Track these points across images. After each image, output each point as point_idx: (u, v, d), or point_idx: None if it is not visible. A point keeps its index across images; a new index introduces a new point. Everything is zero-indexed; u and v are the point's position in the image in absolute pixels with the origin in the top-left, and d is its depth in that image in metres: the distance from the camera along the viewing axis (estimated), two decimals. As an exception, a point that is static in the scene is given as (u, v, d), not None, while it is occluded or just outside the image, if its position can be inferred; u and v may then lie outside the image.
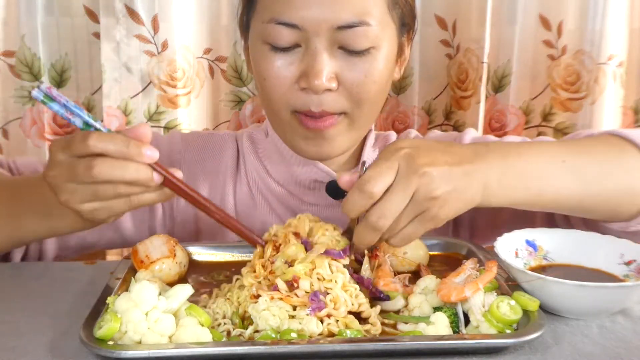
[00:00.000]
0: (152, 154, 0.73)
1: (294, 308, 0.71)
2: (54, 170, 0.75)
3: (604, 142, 0.90)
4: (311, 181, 1.04)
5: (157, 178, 0.74)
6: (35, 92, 0.73)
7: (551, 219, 1.00)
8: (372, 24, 0.90)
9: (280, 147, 1.03)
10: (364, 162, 0.84)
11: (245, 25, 0.99)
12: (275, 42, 0.91)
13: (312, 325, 0.69)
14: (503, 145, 0.85)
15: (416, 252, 0.88)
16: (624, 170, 0.86)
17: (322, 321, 0.70)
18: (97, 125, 0.74)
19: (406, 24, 0.98)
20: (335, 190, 1.03)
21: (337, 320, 0.71)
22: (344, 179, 0.79)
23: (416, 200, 0.73)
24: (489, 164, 0.79)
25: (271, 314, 0.70)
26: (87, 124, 0.74)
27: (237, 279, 0.81)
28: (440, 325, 0.70)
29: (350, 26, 0.89)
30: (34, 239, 0.96)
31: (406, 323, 0.72)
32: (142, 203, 0.76)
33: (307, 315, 0.70)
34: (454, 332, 0.71)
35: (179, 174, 0.77)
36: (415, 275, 0.85)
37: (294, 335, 0.68)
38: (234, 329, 0.72)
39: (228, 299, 0.77)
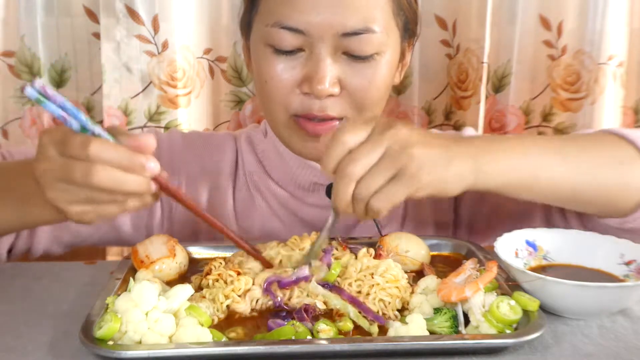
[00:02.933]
0: (155, 167, 0.69)
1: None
2: (44, 164, 0.69)
3: (598, 138, 0.89)
4: (311, 183, 1.03)
5: (154, 187, 0.71)
6: (29, 90, 0.65)
7: (549, 218, 1.00)
8: (377, 31, 0.90)
9: (279, 148, 1.03)
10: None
11: (246, 25, 0.99)
12: (278, 46, 0.90)
13: None
14: (490, 136, 0.82)
15: (418, 251, 0.88)
16: (617, 163, 0.85)
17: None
18: (96, 130, 0.68)
19: (409, 29, 0.98)
20: None
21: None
22: (324, 139, 0.77)
23: (390, 153, 0.71)
24: (475, 144, 0.77)
25: None
26: (84, 127, 0.67)
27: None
28: (414, 326, 0.69)
29: (355, 33, 0.88)
30: (5, 228, 0.90)
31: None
32: (136, 208, 0.72)
33: None
34: (454, 332, 0.71)
35: (164, 174, 0.72)
36: (418, 274, 0.85)
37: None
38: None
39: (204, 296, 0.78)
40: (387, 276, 0.78)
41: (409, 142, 0.71)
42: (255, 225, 1.06)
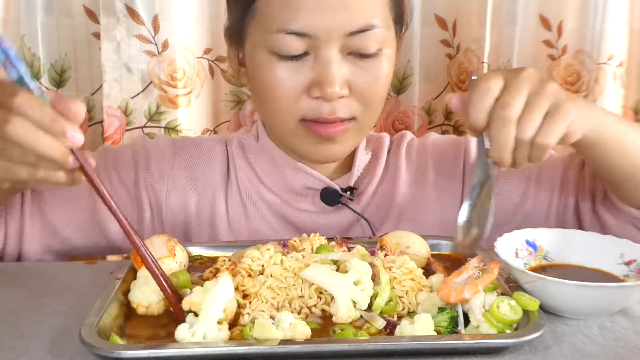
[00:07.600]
0: (76, 138, 0.66)
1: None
2: None
3: None
4: (304, 188, 1.03)
5: (72, 162, 0.67)
6: None
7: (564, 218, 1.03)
8: (380, 26, 0.90)
9: (272, 153, 1.02)
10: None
11: (237, 33, 0.97)
12: (283, 52, 0.89)
13: None
14: None
15: (418, 248, 0.88)
16: None
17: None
18: (32, 85, 0.67)
19: (401, 22, 0.98)
20: (330, 197, 1.03)
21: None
22: (454, 100, 0.79)
23: (535, 91, 0.73)
24: (581, 98, 0.87)
25: None
26: (21, 80, 0.66)
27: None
28: (420, 325, 0.69)
29: (361, 31, 0.88)
30: None
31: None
32: (47, 179, 0.69)
33: None
34: (454, 332, 0.71)
35: (92, 162, 0.69)
36: (426, 271, 0.85)
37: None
38: None
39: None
40: (403, 269, 0.79)
41: (545, 80, 0.75)
42: (247, 232, 1.05)
